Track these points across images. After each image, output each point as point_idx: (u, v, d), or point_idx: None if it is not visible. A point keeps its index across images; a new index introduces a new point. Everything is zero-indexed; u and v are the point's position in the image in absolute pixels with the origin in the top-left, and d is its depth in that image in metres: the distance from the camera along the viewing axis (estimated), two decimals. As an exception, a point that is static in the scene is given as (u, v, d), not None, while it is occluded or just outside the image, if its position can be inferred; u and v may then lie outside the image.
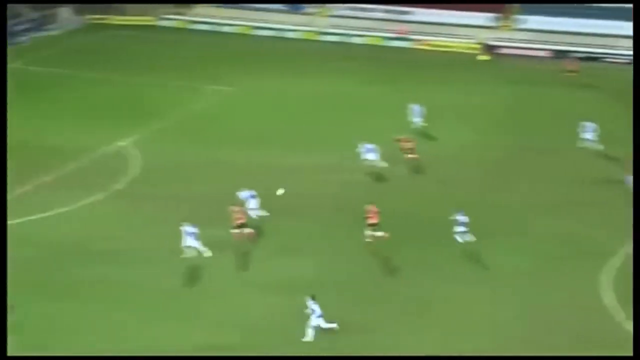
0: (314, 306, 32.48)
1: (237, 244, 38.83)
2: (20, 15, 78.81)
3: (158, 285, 36.20)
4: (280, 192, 40.15)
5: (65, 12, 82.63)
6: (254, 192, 41.49)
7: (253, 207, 41.13)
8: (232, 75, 65.84)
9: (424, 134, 52.62)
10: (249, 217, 40.16)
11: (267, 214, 41.52)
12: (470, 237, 38.45)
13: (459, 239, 38.53)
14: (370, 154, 47.02)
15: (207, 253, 37.67)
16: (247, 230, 39.31)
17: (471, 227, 38.46)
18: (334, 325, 32.64)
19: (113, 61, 70.26)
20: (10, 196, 44.82)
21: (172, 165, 48.82)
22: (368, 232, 39.19)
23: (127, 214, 42.55)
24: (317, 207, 43.19)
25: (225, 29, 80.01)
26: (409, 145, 47.86)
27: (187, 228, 37.58)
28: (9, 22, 76.62)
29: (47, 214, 42.95)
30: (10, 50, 73.16)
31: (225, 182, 45.26)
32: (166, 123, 55.88)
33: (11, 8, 78.14)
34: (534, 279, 36.76)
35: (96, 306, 34.93)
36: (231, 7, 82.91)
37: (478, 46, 73.31)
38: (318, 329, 32.49)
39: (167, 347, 32.09)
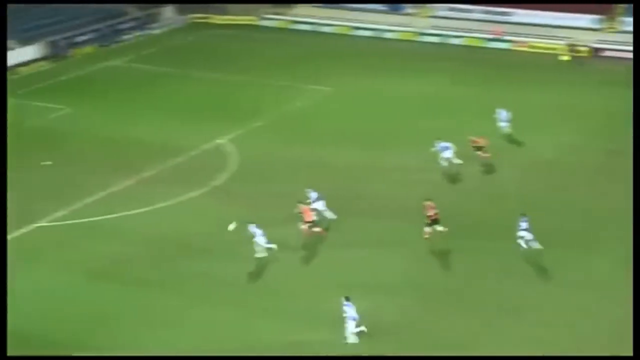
0: (347, 307, 32.31)
1: (328, 244, 39.02)
2: (125, 14, 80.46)
3: (252, 282, 36.57)
4: (231, 227, 39.15)
5: (168, 12, 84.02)
6: (320, 194, 41.74)
7: (321, 208, 41.50)
8: (330, 75, 65.93)
9: (509, 138, 51.63)
10: (319, 215, 40.76)
11: (334, 216, 41.76)
12: (535, 244, 37.84)
13: (522, 244, 37.95)
14: (446, 152, 47.18)
15: (263, 254, 38.15)
16: (317, 229, 39.92)
17: (550, 233, 37.92)
18: (362, 329, 32.41)
19: (214, 60, 71.10)
20: (113, 190, 45.93)
21: (269, 163, 49.17)
22: (427, 229, 39.32)
23: (224, 210, 42.94)
24: (396, 208, 42.95)
25: (325, 29, 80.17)
26: (481, 143, 47.56)
27: (254, 229, 38.06)
28: (115, 21, 78.45)
29: (147, 208, 43.75)
30: (114, 48, 75.04)
31: (318, 181, 45.37)
32: (264, 121, 56.32)
33: (117, 7, 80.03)
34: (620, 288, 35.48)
35: (189, 301, 35.58)
36: (331, 7, 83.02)
37: (580, 48, 71.75)
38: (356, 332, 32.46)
39: (267, 343, 32.34)
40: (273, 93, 62.39)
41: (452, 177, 46.74)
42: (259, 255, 38.19)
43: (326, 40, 77.14)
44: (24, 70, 67.79)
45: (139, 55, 72.96)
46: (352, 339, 32.33)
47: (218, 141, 52.90)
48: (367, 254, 38.75)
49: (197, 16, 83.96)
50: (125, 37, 77.66)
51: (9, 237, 40.41)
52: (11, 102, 60.39)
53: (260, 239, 38.13)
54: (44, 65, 69.47)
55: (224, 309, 34.75)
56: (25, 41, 70.65)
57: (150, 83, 65.66)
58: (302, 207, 40.27)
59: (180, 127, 55.54)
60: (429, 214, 39.30)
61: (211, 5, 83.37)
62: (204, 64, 69.76)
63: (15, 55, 68.80)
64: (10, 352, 30.12)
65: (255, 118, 56.78)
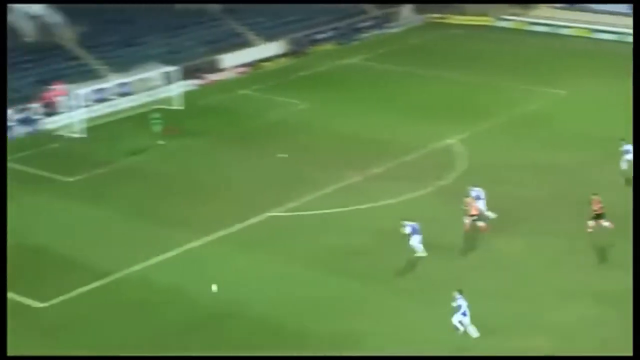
0: (459, 301, 32.20)
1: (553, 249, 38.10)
2: (364, 13, 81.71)
3: (468, 283, 36.26)
4: (214, 288, 37.35)
5: (406, 11, 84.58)
6: (481, 192, 41.72)
7: (481, 207, 41.21)
8: (566, 79, 64.22)
9: None
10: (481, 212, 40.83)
11: (494, 215, 41.13)
12: None
13: None
14: (628, 155, 46.03)
15: (422, 253, 38.51)
16: (480, 224, 40.01)
17: None
18: (473, 332, 32.22)
19: (448, 60, 70.94)
20: (342, 185, 46.90)
21: (498, 166, 48.54)
22: (591, 222, 39.07)
23: (448, 210, 42.77)
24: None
25: (564, 31, 78.08)
26: None
27: (410, 225, 38.47)
28: (355, 19, 79.84)
29: (374, 204, 44.34)
30: (352, 46, 76.41)
31: (548, 185, 44.38)
32: (495, 123, 55.66)
33: (357, 6, 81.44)
34: None
35: (405, 300, 35.75)
36: (571, 9, 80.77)
37: None
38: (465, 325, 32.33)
39: (484, 348, 32.07)
40: (505, 95, 61.54)
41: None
42: (419, 254, 38.51)
43: (564, 43, 75.13)
44: (267, 65, 70.34)
45: (376, 53, 73.91)
46: (461, 328, 32.34)
47: (448, 141, 52.81)
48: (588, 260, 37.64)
49: (434, 16, 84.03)
50: (363, 35, 78.90)
51: (242, 224, 42.28)
52: (254, 95, 63.14)
53: (415, 238, 38.44)
54: (285, 62, 71.77)
55: (441, 309, 34.61)
56: (269, 38, 73.28)
57: (385, 81, 66.39)
58: (469, 200, 40.59)
59: (412, 125, 55.85)
60: (594, 208, 39.20)
61: (449, 5, 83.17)
62: (439, 63, 69.74)
63: (260, 51, 71.54)
64: (242, 333, 31.52)
65: (487, 119, 56.22)
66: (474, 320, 32.39)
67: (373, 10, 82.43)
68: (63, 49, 63.51)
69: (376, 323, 34.11)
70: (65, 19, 65.29)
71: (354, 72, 69.50)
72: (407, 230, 38.80)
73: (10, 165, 50.39)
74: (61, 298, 36.15)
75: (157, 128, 54.17)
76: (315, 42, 75.48)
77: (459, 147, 51.80)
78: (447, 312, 32.66)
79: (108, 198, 46.08)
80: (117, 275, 38.00)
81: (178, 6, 72.02)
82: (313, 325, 34.01)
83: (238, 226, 42.39)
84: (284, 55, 72.59)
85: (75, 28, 65.58)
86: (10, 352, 32.04)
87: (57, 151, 53.24)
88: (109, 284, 37.37)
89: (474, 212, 40.38)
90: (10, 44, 61.30)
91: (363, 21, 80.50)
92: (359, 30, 79.32)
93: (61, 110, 57.98)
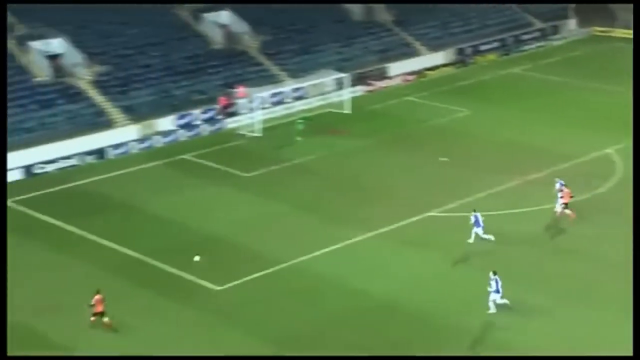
0: (493, 282, 33.81)
1: None
2: (530, 25, 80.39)
3: (619, 285, 35.37)
4: (196, 258, 37.62)
5: (571, 24, 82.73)
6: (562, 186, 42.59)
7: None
8: None
9: None
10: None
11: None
12: None
13: None
14: None
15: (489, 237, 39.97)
16: (568, 211, 41.44)
17: None
18: (506, 302, 33.90)
19: (609, 72, 68.94)
20: (499, 189, 46.53)
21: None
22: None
23: (601, 218, 41.72)
24: None
25: None
26: None
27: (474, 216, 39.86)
28: (519, 31, 78.66)
29: (527, 209, 43.88)
30: (515, 57, 75.32)
31: None
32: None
33: (523, 18, 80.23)
34: None
35: (553, 300, 35.24)
36: None
37: None
38: (496, 304, 33.71)
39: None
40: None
41: None
42: (471, 240, 39.96)
43: None
44: (432, 73, 70.35)
45: (538, 64, 72.63)
46: (492, 309, 33.83)
47: (607, 151, 51.46)
48: None
49: (598, 29, 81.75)
50: (527, 47, 77.67)
51: (402, 222, 42.70)
52: (418, 102, 63.38)
53: (479, 230, 39.68)
54: (450, 70, 71.58)
55: (591, 310, 33.95)
56: (435, 48, 73.26)
57: (546, 91, 65.22)
58: (564, 189, 41.98)
59: (570, 134, 54.76)
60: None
61: (617, 18, 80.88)
62: (600, 75, 67.92)
63: (426, 60, 71.64)
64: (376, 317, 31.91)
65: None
66: None
67: (538, 23, 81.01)
68: (247, 55, 65.60)
69: (527, 323, 33.79)
70: (250, 28, 67.42)
71: (516, 82, 68.57)
72: (472, 219, 40.17)
73: (194, 159, 52.77)
74: (235, 282, 37.55)
75: (300, 127, 55.70)
76: (479, 52, 74.91)
77: (616, 157, 50.41)
78: (600, 314, 32.00)
79: (281, 193, 47.36)
80: (286, 264, 39.12)
81: (353, 18, 73.07)
82: (466, 322, 34.01)
83: (399, 224, 42.79)
84: (448, 64, 72.41)
85: (258, 37, 67.62)
86: (188, 326, 33.82)
87: (237, 148, 55.14)
88: (278, 272, 38.52)
89: (565, 200, 41.61)
90: (200, 50, 64.07)
91: (527, 33, 79.24)
92: (523, 41, 78.16)
93: (242, 111, 59.98)
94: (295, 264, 39.18)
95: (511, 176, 47.96)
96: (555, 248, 39.75)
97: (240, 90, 60.85)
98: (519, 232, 41.30)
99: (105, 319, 33.84)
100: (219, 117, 58.77)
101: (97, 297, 33.95)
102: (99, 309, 33.84)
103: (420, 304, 35.37)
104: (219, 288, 37.15)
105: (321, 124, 58.72)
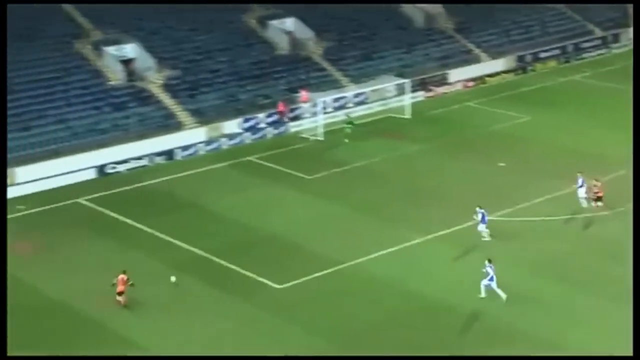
0: (488, 269, 34.96)
1: None
2: (590, 34, 79.13)
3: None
4: (173, 279, 36.98)
5: (631, 32, 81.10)
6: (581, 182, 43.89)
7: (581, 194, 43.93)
8: None
9: None
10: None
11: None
12: None
13: None
14: None
15: (487, 238, 40.87)
16: (599, 204, 43.11)
17: None
18: (502, 294, 34.70)
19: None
20: (557, 194, 45.92)
21: None
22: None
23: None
24: None
25: None
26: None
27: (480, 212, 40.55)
28: (580, 39, 77.48)
29: (587, 214, 43.32)
30: (575, 64, 74.27)
31: None
32: None
33: (583, 27, 78.98)
34: None
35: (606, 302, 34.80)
36: None
37: None
38: (489, 290, 34.71)
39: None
40: None
41: None
42: (485, 239, 40.39)
43: None
44: (492, 80, 69.73)
45: (598, 72, 71.45)
46: (483, 293, 35.13)
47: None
48: None
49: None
50: (587, 54, 76.48)
51: (459, 226, 42.46)
52: (477, 107, 62.91)
53: (482, 226, 40.27)
54: (509, 77, 70.86)
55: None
56: (496, 55, 72.58)
57: (605, 98, 64.20)
58: (599, 184, 43.74)
59: (625, 141, 53.72)
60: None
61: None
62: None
63: (486, 67, 71.01)
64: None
65: None
66: None
67: (599, 31, 79.69)
68: (311, 61, 65.84)
69: (584, 325, 33.47)
70: (314, 34, 67.63)
71: (575, 89, 67.61)
72: (479, 216, 40.73)
73: (259, 161, 53.19)
74: (295, 282, 37.73)
75: (347, 130, 56.24)
76: (539, 59, 73.98)
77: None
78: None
79: (341, 195, 47.41)
80: (344, 265, 39.18)
81: (414, 25, 72.80)
82: (522, 324, 33.72)
83: (456, 227, 42.52)
84: (509, 71, 71.67)
85: (322, 43, 67.80)
86: (249, 322, 34.11)
87: (300, 151, 55.36)
88: (336, 272, 38.59)
89: (598, 194, 43.24)
90: (266, 56, 64.49)
91: (588, 41, 77.99)
92: (583, 49, 76.96)
93: (305, 115, 60.21)
94: (354, 264, 39.21)
95: (570, 182, 47.23)
96: (613, 251, 39.08)
97: (303, 94, 61.08)
98: (581, 234, 40.69)
99: (119, 298, 35.08)
100: (281, 121, 58.96)
101: (121, 276, 35.10)
102: (121, 288, 35.03)
103: (477, 307, 35.10)
104: (279, 286, 37.36)
105: (381, 128, 58.66)
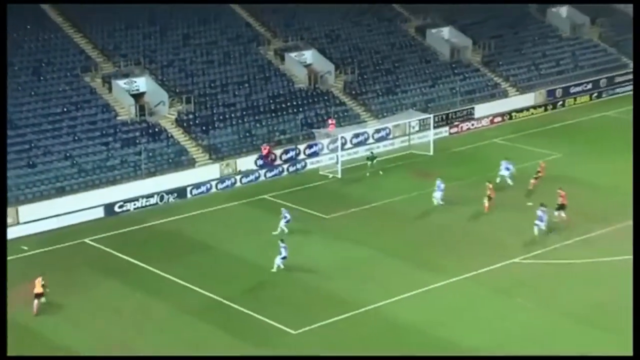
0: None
1: None
2: (624, 67, 78.94)
3: None
4: None
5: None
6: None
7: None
8: None
9: None
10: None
11: None
12: None
13: None
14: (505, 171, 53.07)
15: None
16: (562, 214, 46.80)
17: None
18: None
19: None
20: (587, 236, 45.74)
21: None
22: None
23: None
24: None
25: None
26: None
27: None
28: (612, 74, 77.34)
29: (618, 257, 43.01)
30: (607, 99, 74.09)
31: None
32: None
33: (616, 60, 78.89)
34: None
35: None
36: None
37: None
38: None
39: None
40: None
41: None
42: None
43: None
44: (520, 115, 69.78)
45: (631, 107, 71.24)
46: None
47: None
48: None
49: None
50: (621, 89, 76.31)
51: (488, 268, 42.39)
52: (504, 144, 62.79)
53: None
54: (539, 112, 70.83)
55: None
56: (524, 89, 72.63)
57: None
58: (563, 193, 47.96)
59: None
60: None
61: None
62: None
63: (514, 102, 71.05)
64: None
65: None
66: None
67: (632, 64, 79.54)
68: (331, 95, 66.07)
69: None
70: (334, 67, 67.85)
71: (608, 125, 67.49)
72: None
73: (275, 200, 53.21)
74: (312, 326, 37.52)
75: (369, 163, 57.36)
76: (570, 94, 73.91)
77: None
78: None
79: (361, 235, 47.33)
80: (364, 308, 38.99)
81: (440, 58, 73.06)
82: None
83: (483, 269, 42.34)
84: (538, 106, 71.65)
85: (342, 76, 68.18)
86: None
87: (318, 189, 55.40)
88: (355, 316, 38.40)
89: (564, 202, 47.66)
90: (283, 90, 64.81)
91: (621, 75, 77.85)
92: (617, 84, 76.82)
93: (324, 151, 60.36)
94: (374, 308, 39.05)
95: (603, 223, 47.01)
96: None
97: (331, 123, 61.35)
98: (609, 281, 40.35)
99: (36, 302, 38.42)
100: (266, 166, 58.05)
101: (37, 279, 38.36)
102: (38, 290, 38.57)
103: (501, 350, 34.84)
104: (295, 332, 37.20)
105: (403, 165, 58.65)
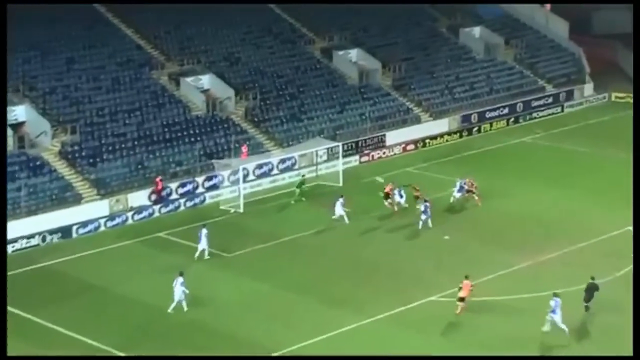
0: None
1: None
2: (541, 91, 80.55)
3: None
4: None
5: (588, 89, 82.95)
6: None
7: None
8: None
9: None
10: None
11: None
12: None
13: None
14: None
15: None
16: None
17: None
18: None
19: (629, 141, 68.47)
20: (509, 270, 45.98)
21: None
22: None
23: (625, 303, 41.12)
24: None
25: None
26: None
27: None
28: (529, 97, 78.71)
29: (542, 293, 42.99)
30: (524, 124, 75.44)
31: None
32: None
33: (534, 84, 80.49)
34: None
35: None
36: None
37: None
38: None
39: None
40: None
41: None
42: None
43: None
44: (434, 142, 70.42)
45: (550, 132, 72.69)
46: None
47: (629, 228, 50.78)
48: None
49: (618, 95, 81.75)
50: (537, 113, 77.66)
51: (403, 307, 42.30)
52: (417, 173, 63.08)
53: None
54: (454, 139, 71.48)
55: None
56: (437, 114, 73.32)
57: (558, 161, 65.17)
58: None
59: (587, 208, 54.39)
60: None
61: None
62: (619, 144, 66.91)
63: (427, 128, 71.70)
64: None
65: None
66: None
67: (550, 88, 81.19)
68: (230, 122, 65.40)
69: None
70: (234, 92, 67.38)
71: (526, 151, 68.57)
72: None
73: (171, 238, 52.12)
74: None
75: (297, 191, 57.99)
76: (486, 119, 74.90)
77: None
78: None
79: (268, 274, 46.75)
80: (277, 353, 38.36)
81: (347, 82, 73.22)
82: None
83: (398, 309, 42.12)
84: (453, 132, 72.34)
85: (243, 102, 67.67)
86: None
87: (219, 225, 54.34)
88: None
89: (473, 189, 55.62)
90: (179, 118, 63.89)
91: (539, 99, 79.29)
92: (534, 108, 78.14)
93: (225, 184, 59.57)
94: (285, 354, 38.34)
95: (523, 256, 47.30)
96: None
97: (244, 150, 60.80)
98: (533, 319, 40.45)
99: None
100: (160, 200, 57.22)
101: None
102: None
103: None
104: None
105: (311, 197, 58.29)
